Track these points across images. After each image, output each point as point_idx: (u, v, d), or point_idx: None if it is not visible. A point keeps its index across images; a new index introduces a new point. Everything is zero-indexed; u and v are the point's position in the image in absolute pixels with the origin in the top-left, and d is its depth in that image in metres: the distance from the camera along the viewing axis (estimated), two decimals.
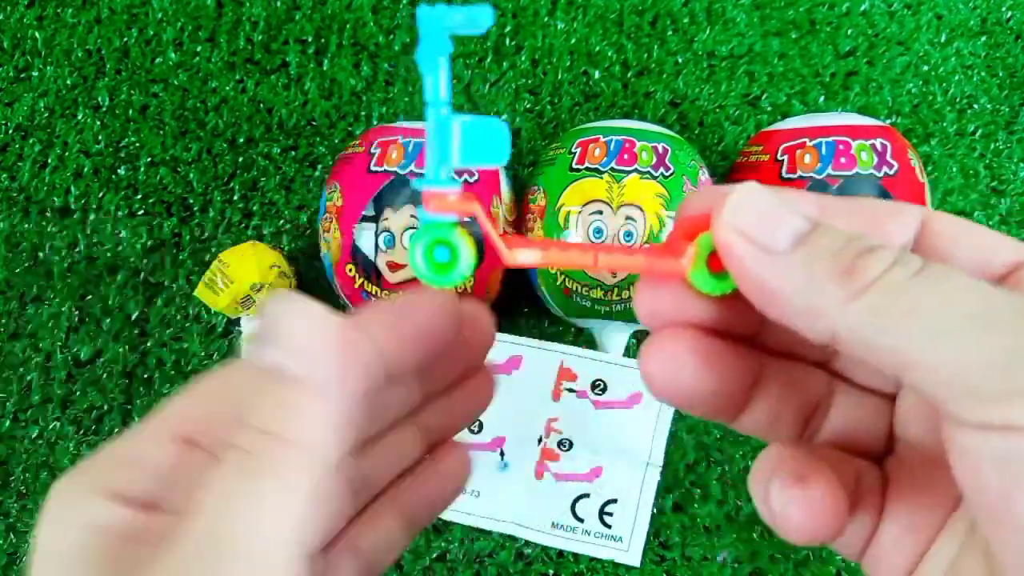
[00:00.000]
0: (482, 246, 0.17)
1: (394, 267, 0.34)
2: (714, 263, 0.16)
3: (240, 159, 0.43)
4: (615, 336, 0.37)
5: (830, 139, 0.34)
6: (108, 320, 0.41)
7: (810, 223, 0.15)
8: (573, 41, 0.44)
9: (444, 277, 0.17)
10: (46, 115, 0.43)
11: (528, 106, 0.43)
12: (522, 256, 0.17)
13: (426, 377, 0.20)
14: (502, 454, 0.39)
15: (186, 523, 0.14)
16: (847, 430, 0.18)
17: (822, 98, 0.43)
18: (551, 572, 0.38)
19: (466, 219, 0.17)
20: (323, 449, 0.15)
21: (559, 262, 0.17)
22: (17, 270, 0.42)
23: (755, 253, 0.15)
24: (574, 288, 0.35)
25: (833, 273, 0.14)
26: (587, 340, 0.40)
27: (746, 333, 0.18)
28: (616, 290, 0.34)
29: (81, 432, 0.40)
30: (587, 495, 0.38)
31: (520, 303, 0.41)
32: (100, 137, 0.43)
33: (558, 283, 0.35)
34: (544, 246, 0.17)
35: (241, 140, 0.43)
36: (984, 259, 0.16)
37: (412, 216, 0.34)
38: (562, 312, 0.37)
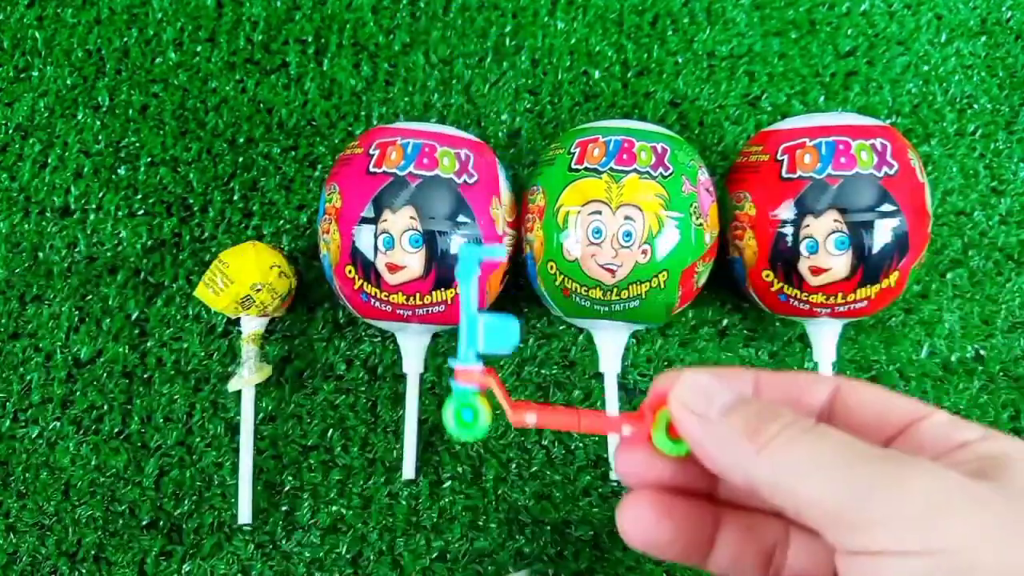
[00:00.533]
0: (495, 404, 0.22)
1: (393, 269, 0.34)
2: (672, 431, 0.21)
3: (240, 159, 0.43)
4: (613, 337, 0.37)
5: (830, 139, 0.34)
6: (108, 320, 0.41)
7: (736, 397, 0.20)
8: (573, 41, 0.44)
9: (468, 432, 0.22)
10: (46, 115, 0.43)
11: (528, 106, 0.43)
12: (526, 417, 0.22)
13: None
14: None
15: None
16: (805, 568, 0.21)
17: (822, 98, 0.43)
18: (551, 572, 0.38)
19: (485, 389, 0.22)
20: None
21: (551, 423, 0.22)
22: (17, 270, 0.42)
23: (695, 421, 0.20)
24: (573, 288, 0.35)
25: (746, 433, 0.19)
26: (587, 339, 0.40)
27: (705, 488, 0.22)
28: (615, 290, 0.34)
29: (81, 432, 0.40)
30: None
31: (520, 303, 0.41)
32: (100, 137, 0.43)
33: (557, 283, 0.35)
34: (540, 409, 0.22)
35: (241, 140, 0.43)
36: (883, 419, 0.20)
37: (411, 218, 0.34)
38: (561, 312, 0.37)
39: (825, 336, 0.37)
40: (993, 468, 0.17)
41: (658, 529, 0.21)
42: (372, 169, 0.34)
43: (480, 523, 0.38)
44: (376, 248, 0.34)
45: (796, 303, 0.35)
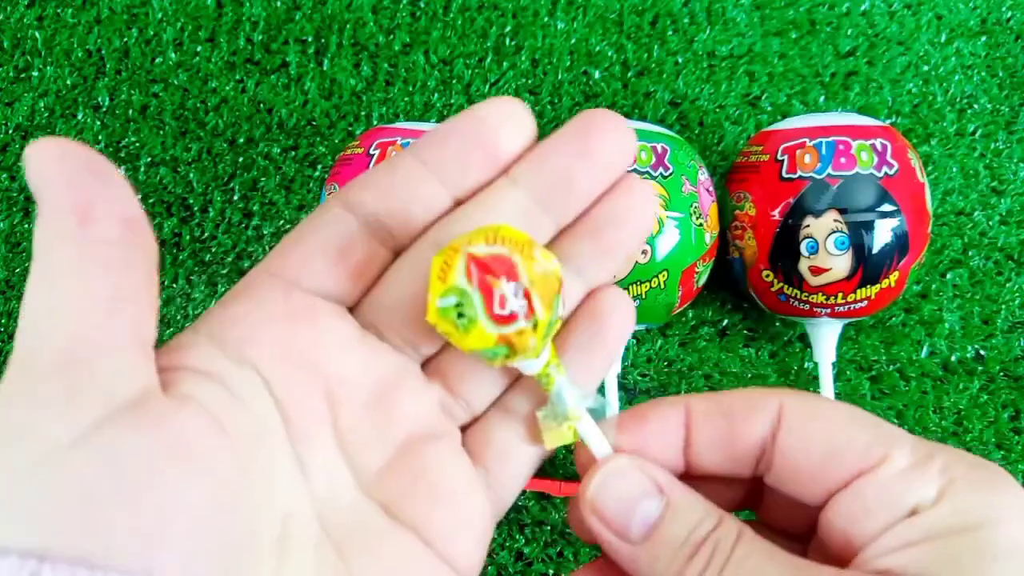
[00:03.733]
0: None
1: None
2: None
3: (240, 159, 0.43)
4: None
5: (830, 139, 0.34)
6: None
7: (661, 506, 0.18)
8: (573, 41, 0.44)
9: None
10: (46, 115, 0.43)
11: (528, 106, 0.43)
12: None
13: (547, 203, 0.20)
14: None
15: None
16: None
17: (822, 98, 0.43)
18: (551, 572, 0.38)
19: None
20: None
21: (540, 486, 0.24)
22: (17, 270, 0.42)
23: (613, 539, 0.18)
24: None
25: (673, 566, 0.17)
26: None
27: None
28: None
29: None
30: None
31: None
32: (100, 137, 0.43)
33: None
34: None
35: (241, 140, 0.43)
36: (827, 466, 0.18)
37: None
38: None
39: (825, 336, 0.36)
40: (946, 562, 0.15)
41: None
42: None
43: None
44: None
45: (796, 303, 0.35)
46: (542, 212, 0.20)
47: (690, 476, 0.20)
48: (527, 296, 0.18)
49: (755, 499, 0.21)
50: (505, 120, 0.20)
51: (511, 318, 0.18)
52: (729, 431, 0.19)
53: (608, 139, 0.19)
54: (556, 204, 0.20)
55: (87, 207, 0.15)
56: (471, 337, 0.18)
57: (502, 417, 0.21)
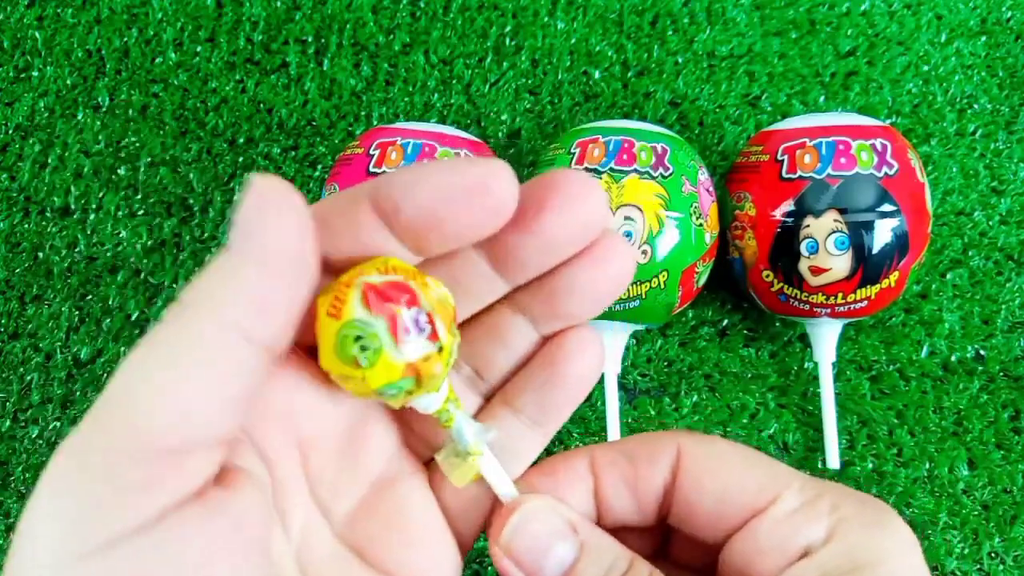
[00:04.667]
0: None
1: None
2: None
3: (240, 159, 0.42)
4: (613, 337, 0.37)
5: (830, 139, 0.33)
6: (108, 320, 0.41)
7: (576, 550, 0.18)
8: (573, 41, 0.44)
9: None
10: (46, 115, 0.43)
11: (528, 106, 0.43)
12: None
13: (502, 259, 0.18)
14: None
15: None
16: None
17: (822, 98, 0.43)
18: None
19: None
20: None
21: None
22: (17, 270, 0.42)
23: None
24: None
25: None
26: None
27: None
28: None
29: None
30: None
31: None
32: (100, 137, 0.43)
33: None
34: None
35: (241, 140, 0.43)
36: (722, 510, 0.18)
37: None
38: None
39: (825, 336, 0.36)
40: None
41: None
42: (372, 169, 0.34)
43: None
44: None
45: (796, 303, 0.35)
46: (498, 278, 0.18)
47: (601, 526, 0.19)
48: (430, 320, 0.17)
49: (663, 547, 0.21)
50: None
51: (415, 346, 0.16)
52: (632, 476, 0.19)
53: (566, 210, 0.17)
54: (508, 274, 0.18)
55: (270, 304, 0.14)
56: (376, 372, 0.16)
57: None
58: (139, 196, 0.42)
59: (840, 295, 0.34)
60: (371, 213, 0.16)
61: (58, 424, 0.40)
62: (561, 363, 0.19)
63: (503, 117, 0.43)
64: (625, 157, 0.34)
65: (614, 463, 0.19)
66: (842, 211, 0.33)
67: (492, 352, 0.20)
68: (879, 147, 0.33)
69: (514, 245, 0.17)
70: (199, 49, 0.44)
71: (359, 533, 0.19)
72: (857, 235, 0.33)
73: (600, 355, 0.19)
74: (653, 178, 0.33)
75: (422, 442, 0.20)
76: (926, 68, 0.43)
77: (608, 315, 0.35)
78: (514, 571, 0.18)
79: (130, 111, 0.43)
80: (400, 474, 0.20)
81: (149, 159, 0.43)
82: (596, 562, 0.18)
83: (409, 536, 0.19)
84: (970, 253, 0.41)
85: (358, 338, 0.16)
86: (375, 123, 0.43)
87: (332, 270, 0.17)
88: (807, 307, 0.35)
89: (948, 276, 0.41)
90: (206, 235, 0.42)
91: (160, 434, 0.13)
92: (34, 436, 0.40)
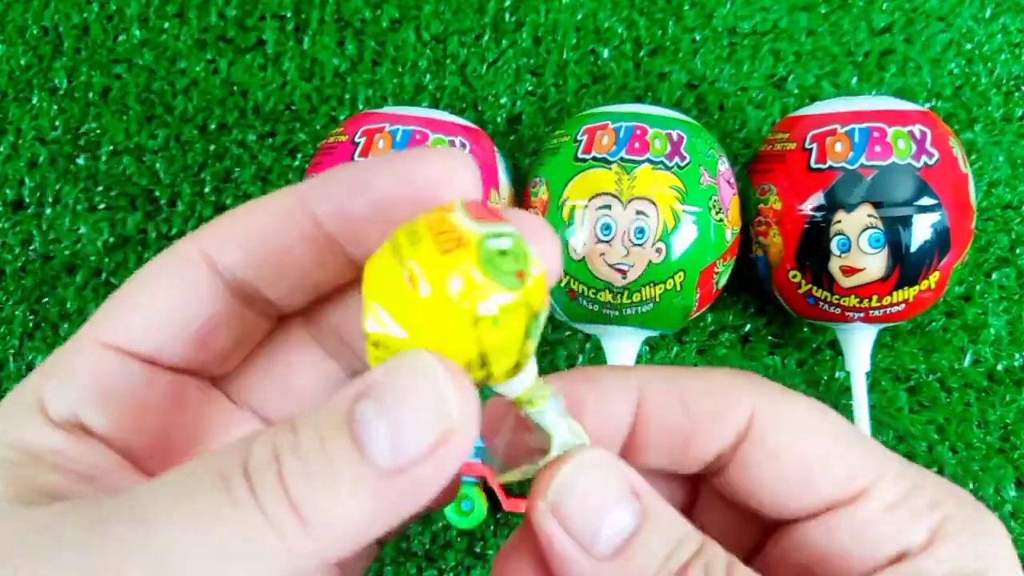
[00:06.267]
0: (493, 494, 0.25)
1: None
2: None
3: (212, 147, 0.42)
4: (624, 344, 0.36)
5: (863, 125, 0.33)
6: (66, 325, 0.40)
7: (638, 518, 0.15)
8: (580, 16, 0.43)
9: (467, 521, 0.26)
10: None
11: (530, 88, 0.42)
12: (520, 506, 0.24)
13: None
14: None
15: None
16: None
17: (855, 79, 0.42)
18: None
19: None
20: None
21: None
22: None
23: (573, 550, 0.15)
24: (580, 290, 0.34)
25: None
26: (595, 346, 0.39)
27: None
28: (626, 292, 0.33)
29: None
30: None
31: None
32: (57, 123, 0.43)
33: (563, 284, 0.34)
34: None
35: (213, 126, 0.42)
36: (799, 492, 0.16)
37: None
38: (567, 317, 0.36)
39: (858, 343, 0.36)
40: None
41: None
42: (358, 159, 0.34)
43: (477, 550, 0.37)
44: None
45: (826, 306, 0.34)
46: None
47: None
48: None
49: (687, 501, 0.20)
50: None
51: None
52: (687, 435, 0.17)
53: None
54: None
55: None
56: (536, 289, 0.14)
57: None
58: (100, 188, 0.42)
59: (875, 298, 0.33)
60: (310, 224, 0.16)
61: None
62: None
63: (502, 101, 0.42)
64: (637, 145, 0.33)
65: (666, 409, 0.17)
66: (877, 205, 0.32)
67: None
68: (917, 134, 0.33)
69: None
70: (166, 26, 0.43)
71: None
72: (893, 232, 0.32)
73: None
74: (668, 169, 0.33)
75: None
76: (969, 46, 0.42)
77: (619, 320, 0.35)
78: (561, 537, 0.15)
79: (90, 94, 0.43)
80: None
81: (111, 147, 0.42)
82: (661, 536, 0.15)
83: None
84: (1018, 251, 0.40)
85: (503, 252, 0.13)
86: (360, 108, 0.42)
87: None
88: (838, 311, 0.34)
89: (994, 276, 0.40)
90: (174, 231, 0.41)
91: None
92: None
